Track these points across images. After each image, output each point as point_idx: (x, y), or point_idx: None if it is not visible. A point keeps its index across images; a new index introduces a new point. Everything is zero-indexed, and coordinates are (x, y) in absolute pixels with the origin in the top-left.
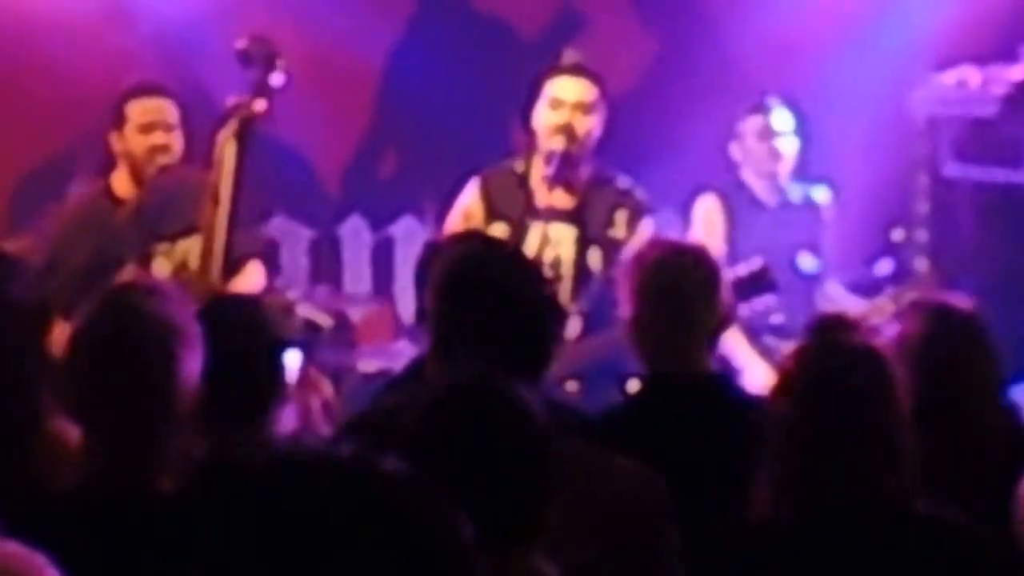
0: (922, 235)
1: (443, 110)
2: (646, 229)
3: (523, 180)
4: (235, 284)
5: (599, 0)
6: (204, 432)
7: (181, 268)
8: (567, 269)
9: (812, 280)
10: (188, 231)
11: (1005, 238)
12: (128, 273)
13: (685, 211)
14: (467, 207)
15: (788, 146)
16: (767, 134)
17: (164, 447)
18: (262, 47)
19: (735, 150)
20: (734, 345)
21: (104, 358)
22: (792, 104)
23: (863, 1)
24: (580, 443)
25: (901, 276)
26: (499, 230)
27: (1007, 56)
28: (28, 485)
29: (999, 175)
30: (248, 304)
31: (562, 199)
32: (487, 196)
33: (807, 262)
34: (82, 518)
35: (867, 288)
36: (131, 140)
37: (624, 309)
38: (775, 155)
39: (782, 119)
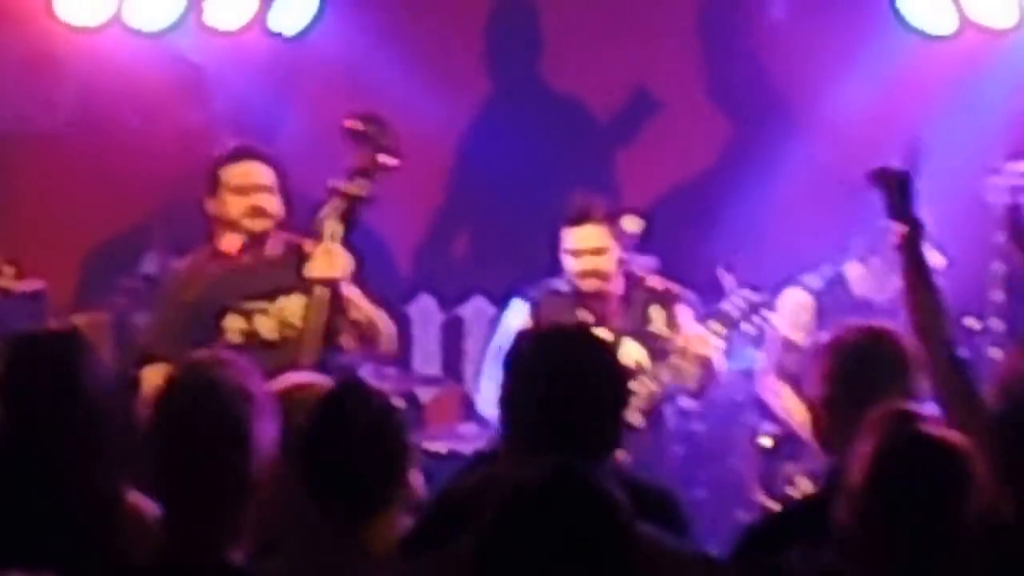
0: (997, 324)
1: (517, 191)
2: (683, 316)
3: (569, 299)
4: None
5: (674, 81)
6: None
7: (284, 325)
8: None
9: None
10: (286, 290)
11: None
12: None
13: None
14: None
15: None
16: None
17: (239, 519)
18: (372, 127)
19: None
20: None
21: (182, 432)
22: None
23: (939, 88)
24: (653, 531)
25: (975, 365)
26: None
27: None
28: (111, 560)
29: None
30: (382, 399)
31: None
32: (537, 318)
33: None
34: None
35: None
36: (228, 203)
37: (814, 391)
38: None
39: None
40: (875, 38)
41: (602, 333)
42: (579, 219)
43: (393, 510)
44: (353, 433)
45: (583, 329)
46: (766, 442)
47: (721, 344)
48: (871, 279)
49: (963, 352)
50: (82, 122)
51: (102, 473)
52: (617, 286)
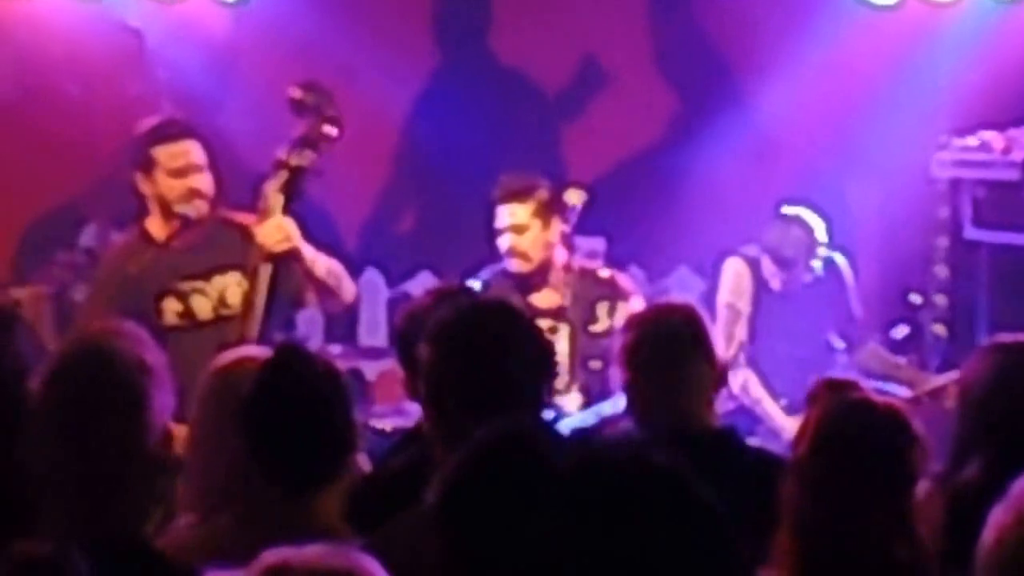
0: (940, 299)
1: (464, 165)
2: (623, 313)
3: (519, 282)
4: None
5: (622, 55)
6: (288, 485)
7: (220, 304)
8: (562, 362)
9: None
10: (223, 268)
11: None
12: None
13: (702, 268)
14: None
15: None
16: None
17: (140, 494)
18: (316, 97)
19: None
20: (756, 394)
21: (77, 402)
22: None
23: (887, 65)
24: None
25: (917, 340)
26: None
27: None
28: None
29: (1020, 239)
30: (319, 357)
31: (550, 298)
32: None
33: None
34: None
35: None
36: (163, 185)
37: (619, 372)
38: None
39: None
40: (822, 10)
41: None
42: (503, 196)
43: (341, 484)
44: (297, 398)
45: (505, 303)
46: None
47: None
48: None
49: (905, 329)
50: (19, 90)
51: (20, 453)
52: (549, 266)
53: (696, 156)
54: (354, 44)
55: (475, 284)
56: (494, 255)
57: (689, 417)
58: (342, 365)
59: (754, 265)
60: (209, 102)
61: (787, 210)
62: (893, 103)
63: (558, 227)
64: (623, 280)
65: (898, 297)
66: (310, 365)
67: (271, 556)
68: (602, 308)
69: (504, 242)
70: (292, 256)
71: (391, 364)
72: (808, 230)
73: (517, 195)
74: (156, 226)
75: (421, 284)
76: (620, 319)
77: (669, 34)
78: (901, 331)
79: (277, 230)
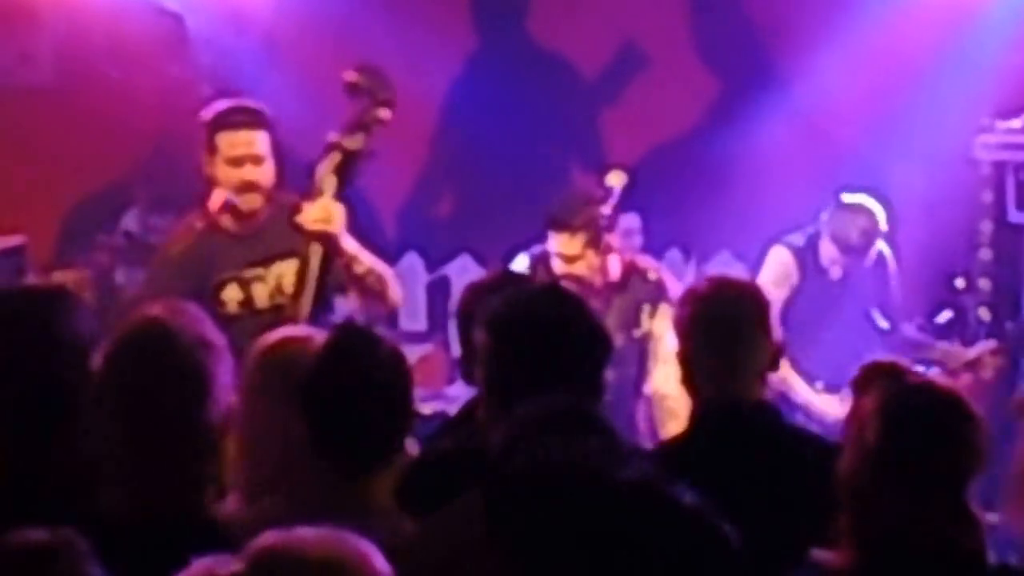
0: (984, 283)
1: (502, 148)
2: (663, 316)
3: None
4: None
5: (661, 37)
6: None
7: (277, 291)
8: None
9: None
10: (282, 255)
11: None
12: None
13: (743, 252)
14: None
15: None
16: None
17: (204, 470)
18: (370, 80)
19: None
20: (792, 382)
21: (140, 377)
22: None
23: (928, 47)
24: None
25: (961, 324)
26: None
27: None
28: (89, 517)
29: None
30: (381, 338)
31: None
32: (534, 272)
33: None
34: (128, 543)
35: (929, 336)
36: (220, 171)
37: (675, 343)
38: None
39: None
40: None
41: None
42: (556, 226)
43: (393, 467)
44: (361, 378)
45: (558, 287)
46: None
47: None
48: (834, 254)
49: (949, 314)
50: (60, 75)
51: (82, 431)
52: (600, 280)
53: (737, 140)
54: (394, 27)
55: (523, 259)
56: (533, 239)
57: (741, 394)
58: None
59: (800, 254)
60: (248, 86)
61: (848, 197)
62: (936, 85)
63: (611, 242)
64: (671, 282)
65: (942, 281)
66: (373, 346)
67: (266, 538)
68: (645, 311)
69: (556, 266)
70: (330, 246)
71: (430, 348)
72: (871, 218)
73: (570, 228)
74: (213, 206)
75: (460, 268)
76: (659, 321)
77: (709, 17)
78: (944, 315)
79: (321, 210)
